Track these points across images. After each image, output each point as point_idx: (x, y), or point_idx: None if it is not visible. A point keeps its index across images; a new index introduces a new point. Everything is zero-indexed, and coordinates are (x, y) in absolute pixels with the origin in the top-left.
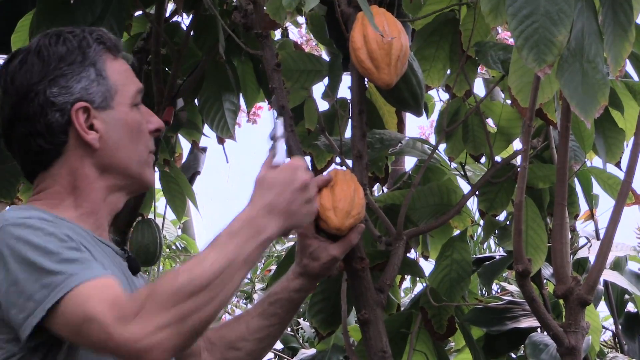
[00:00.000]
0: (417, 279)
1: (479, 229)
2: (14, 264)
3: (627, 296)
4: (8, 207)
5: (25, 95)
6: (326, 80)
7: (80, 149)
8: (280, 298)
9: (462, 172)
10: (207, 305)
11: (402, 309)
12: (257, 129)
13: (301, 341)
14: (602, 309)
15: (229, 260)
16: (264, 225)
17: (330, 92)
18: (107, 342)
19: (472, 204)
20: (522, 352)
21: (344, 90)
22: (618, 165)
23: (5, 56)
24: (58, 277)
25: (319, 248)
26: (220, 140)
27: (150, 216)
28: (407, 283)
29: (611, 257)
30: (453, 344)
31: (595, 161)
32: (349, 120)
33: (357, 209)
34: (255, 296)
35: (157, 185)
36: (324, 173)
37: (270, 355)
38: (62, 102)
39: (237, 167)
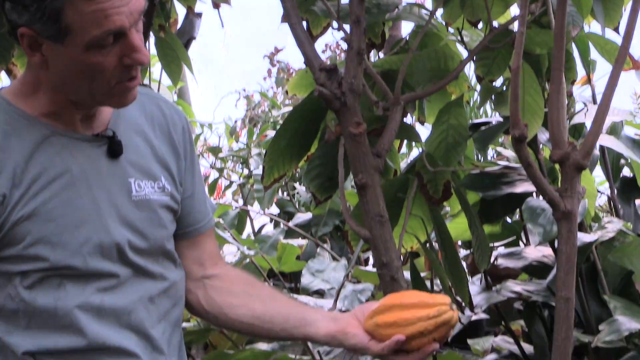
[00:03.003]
0: (413, 144)
1: (476, 94)
2: None
3: (622, 161)
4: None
5: None
6: None
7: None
8: (288, 333)
9: (459, 38)
10: None
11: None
12: None
13: (297, 205)
14: (598, 173)
15: None
16: None
17: None
18: None
19: (469, 69)
20: (517, 216)
21: None
22: (616, 30)
23: None
24: None
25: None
26: (216, 5)
27: (146, 82)
28: (402, 149)
29: (607, 122)
30: (448, 208)
31: (594, 27)
32: None
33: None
34: (251, 160)
35: (153, 50)
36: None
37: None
38: (12, 19)
39: (233, 33)
